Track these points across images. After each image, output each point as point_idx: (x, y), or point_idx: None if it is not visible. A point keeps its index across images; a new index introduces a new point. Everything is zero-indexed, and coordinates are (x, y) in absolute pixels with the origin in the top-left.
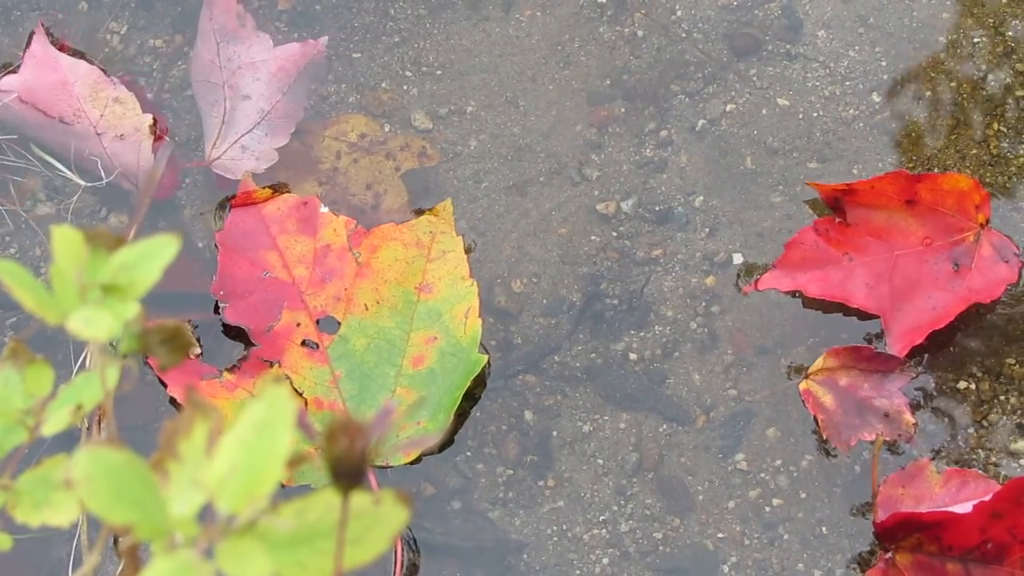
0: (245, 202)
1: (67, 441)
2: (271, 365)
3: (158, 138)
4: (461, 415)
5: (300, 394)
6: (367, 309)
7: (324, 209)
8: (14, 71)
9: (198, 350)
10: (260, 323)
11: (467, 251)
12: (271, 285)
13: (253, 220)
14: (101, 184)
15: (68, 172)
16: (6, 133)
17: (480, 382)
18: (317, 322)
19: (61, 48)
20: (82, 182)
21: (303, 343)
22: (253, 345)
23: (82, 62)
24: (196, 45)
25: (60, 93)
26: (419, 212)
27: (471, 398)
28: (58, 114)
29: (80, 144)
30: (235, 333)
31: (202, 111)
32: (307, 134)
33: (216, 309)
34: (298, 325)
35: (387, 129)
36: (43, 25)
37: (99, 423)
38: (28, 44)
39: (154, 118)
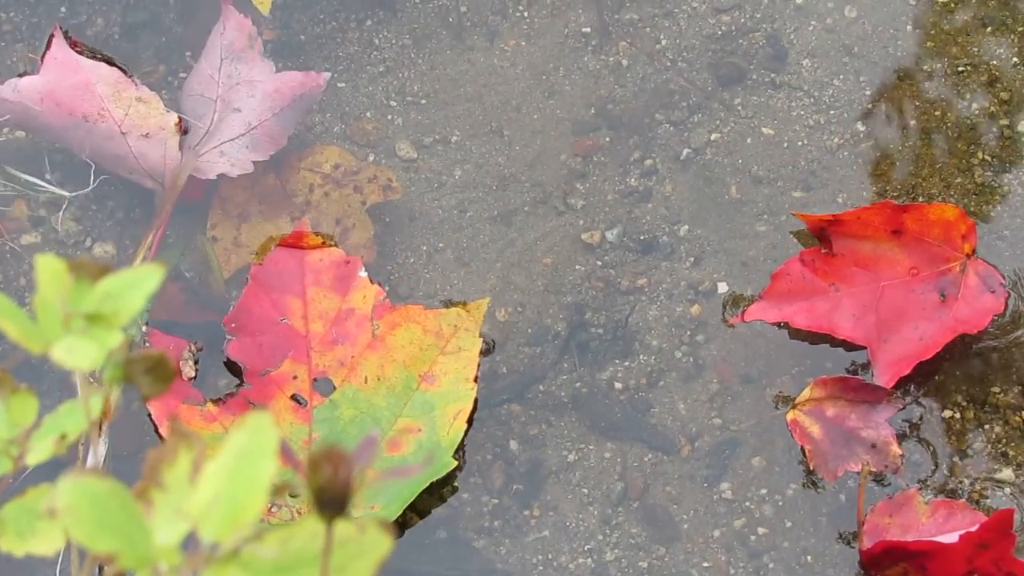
0: (293, 243)
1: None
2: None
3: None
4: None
5: None
6: (366, 382)
7: (363, 273)
8: (32, 74)
9: (192, 373)
10: (259, 365)
11: (483, 354)
12: (284, 331)
13: (294, 263)
14: (87, 190)
15: (52, 187)
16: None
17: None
18: (314, 380)
19: (79, 51)
20: (66, 193)
21: (293, 396)
22: (244, 384)
23: (102, 64)
24: (199, 60)
25: (83, 94)
26: (449, 304)
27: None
28: (82, 113)
29: (104, 144)
30: (234, 367)
31: (187, 123)
32: (284, 167)
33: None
34: (295, 378)
35: (360, 160)
36: (60, 29)
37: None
38: (47, 48)
39: (179, 117)
